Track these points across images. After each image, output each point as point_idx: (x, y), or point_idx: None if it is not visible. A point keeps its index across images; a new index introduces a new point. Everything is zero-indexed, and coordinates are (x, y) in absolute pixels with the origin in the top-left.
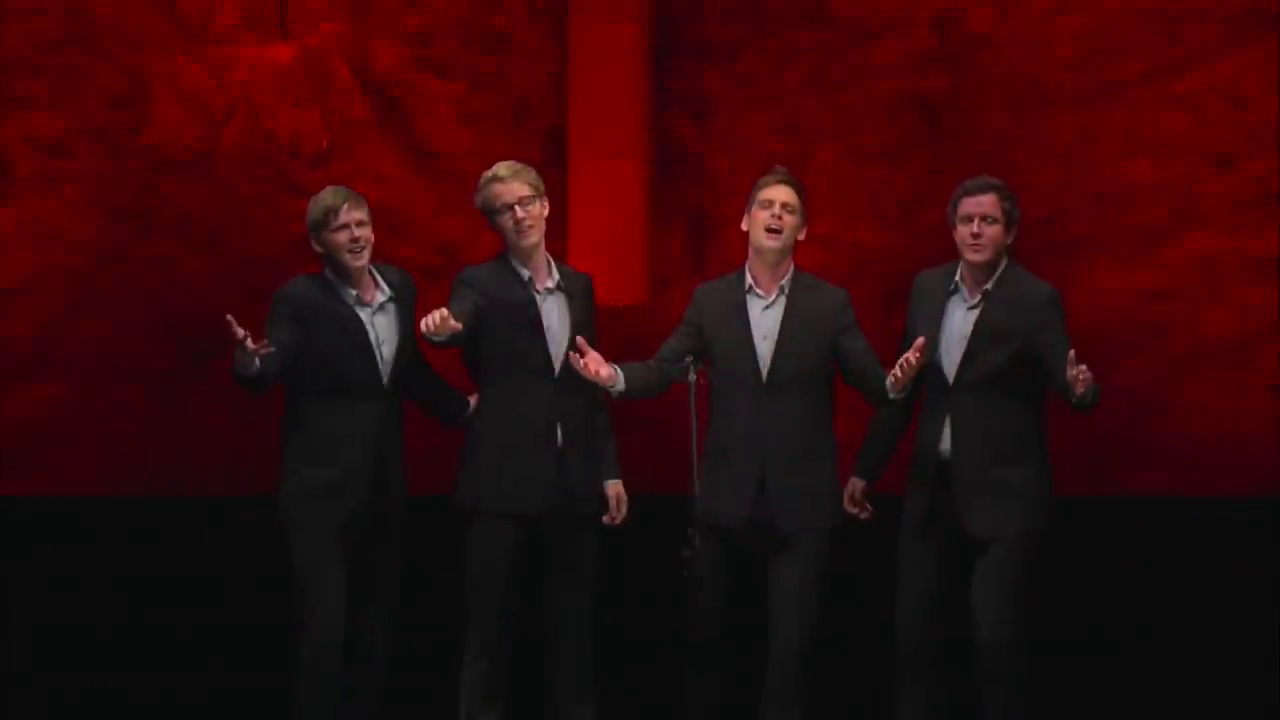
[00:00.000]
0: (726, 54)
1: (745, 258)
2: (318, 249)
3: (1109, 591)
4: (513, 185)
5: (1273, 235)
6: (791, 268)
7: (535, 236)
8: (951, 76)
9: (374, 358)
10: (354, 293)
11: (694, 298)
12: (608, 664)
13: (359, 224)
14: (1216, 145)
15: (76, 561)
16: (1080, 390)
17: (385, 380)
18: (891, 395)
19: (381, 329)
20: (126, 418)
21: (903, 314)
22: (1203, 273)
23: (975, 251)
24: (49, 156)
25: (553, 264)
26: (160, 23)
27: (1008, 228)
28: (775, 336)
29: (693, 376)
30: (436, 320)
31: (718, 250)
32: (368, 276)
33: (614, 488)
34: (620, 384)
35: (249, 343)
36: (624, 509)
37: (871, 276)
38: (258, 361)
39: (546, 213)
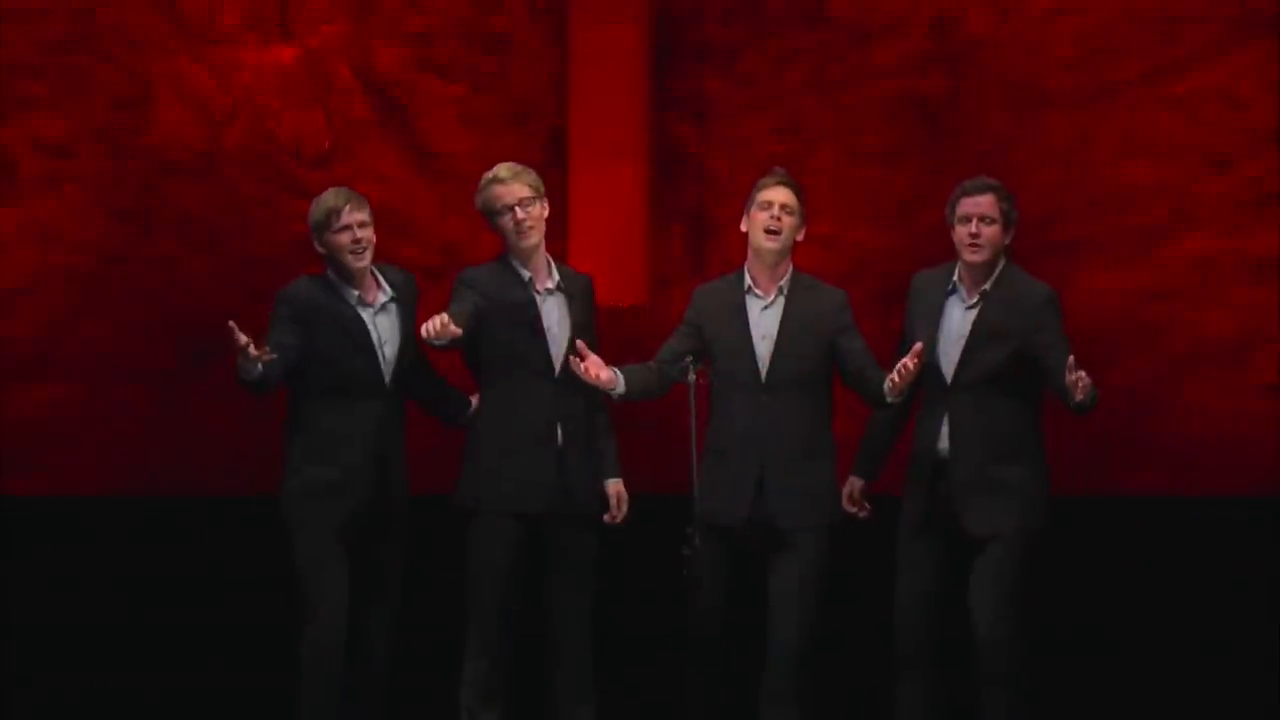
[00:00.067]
0: (726, 55)
1: (745, 258)
2: (320, 250)
3: (1107, 591)
4: (513, 186)
5: (1270, 236)
6: (790, 268)
7: (535, 238)
8: (950, 78)
9: (376, 358)
10: (356, 293)
11: (693, 298)
12: (608, 663)
13: (361, 225)
14: (1214, 146)
15: (77, 561)
16: (1080, 397)
17: (387, 380)
18: (889, 399)
19: (383, 329)
20: (128, 417)
21: (901, 314)
22: (1201, 273)
23: (973, 252)
24: (52, 157)
25: (553, 265)
26: (163, 24)
27: (1006, 228)
28: (774, 337)
29: (692, 376)
30: (437, 326)
31: (718, 250)
32: (370, 277)
33: (614, 486)
34: (620, 387)
35: (251, 349)
36: (624, 508)
37: (871, 276)
38: (260, 366)
39: (547, 214)
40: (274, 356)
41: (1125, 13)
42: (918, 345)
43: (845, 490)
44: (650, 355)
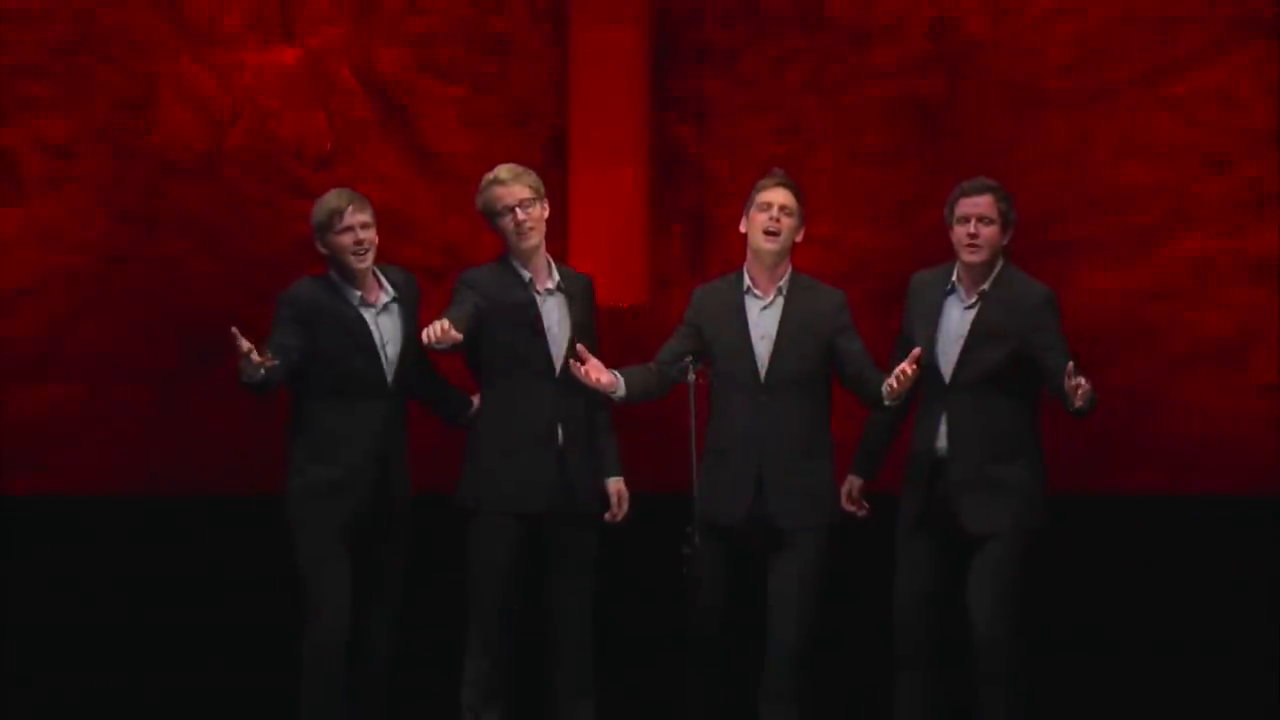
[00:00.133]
0: (726, 57)
1: (745, 259)
2: (322, 250)
3: (1106, 590)
4: (513, 188)
5: (1269, 236)
6: (789, 269)
7: (536, 238)
8: (949, 79)
9: (378, 358)
10: (358, 294)
11: (693, 299)
12: (608, 662)
13: (363, 226)
14: (1211, 148)
15: (78, 561)
16: (1079, 404)
17: (389, 380)
18: (887, 403)
19: (385, 329)
20: (130, 417)
21: (900, 314)
22: (1198, 273)
23: (972, 252)
24: (54, 158)
25: (553, 265)
26: (165, 26)
27: (1004, 228)
28: (773, 337)
29: (692, 376)
30: (437, 332)
31: (718, 251)
32: (372, 278)
33: (615, 485)
34: (621, 389)
35: (254, 355)
36: (625, 506)
37: (870, 277)
38: (263, 371)
39: (547, 215)
40: (276, 363)
41: (1124, 14)
42: (916, 351)
43: (844, 489)
44: (650, 355)
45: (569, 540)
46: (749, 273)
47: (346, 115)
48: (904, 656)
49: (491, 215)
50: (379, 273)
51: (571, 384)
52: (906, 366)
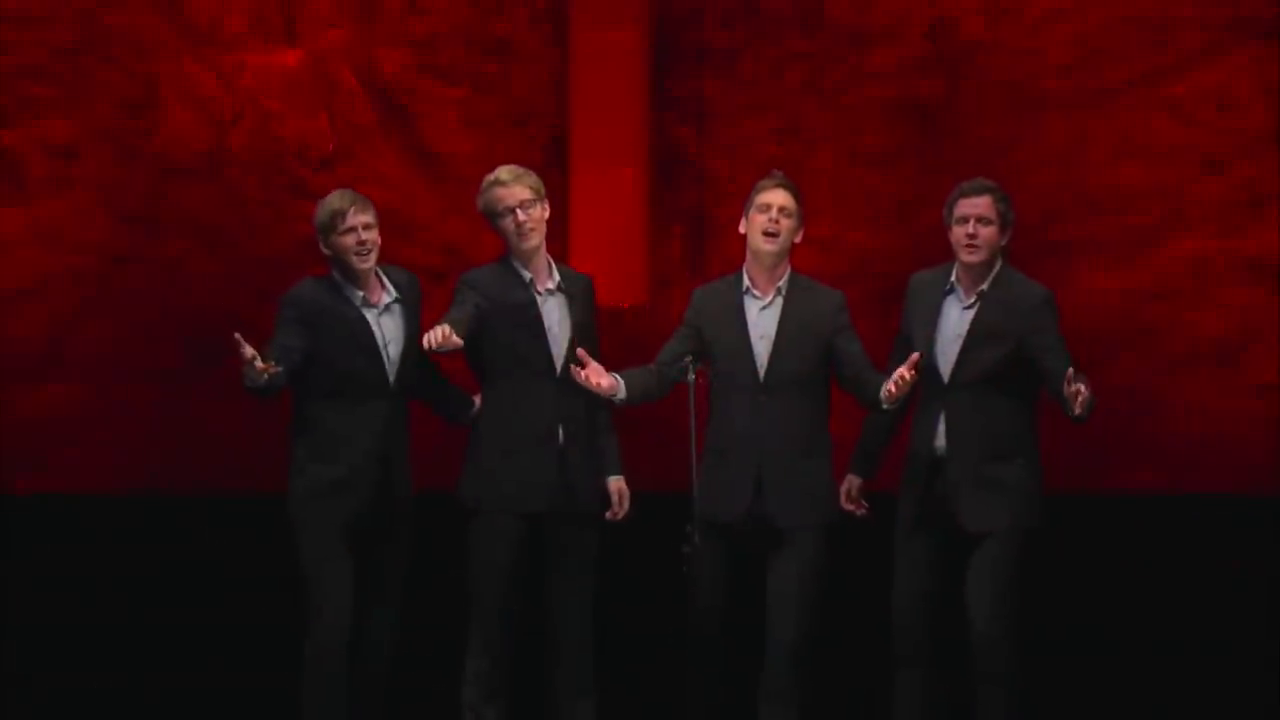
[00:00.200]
0: (725, 59)
1: (744, 259)
2: (325, 251)
3: (1104, 590)
4: (514, 189)
5: (1265, 236)
6: (788, 269)
7: (536, 239)
8: (947, 81)
9: (380, 358)
10: (360, 294)
11: (692, 299)
12: (608, 660)
13: (366, 227)
14: (1206, 149)
15: (81, 560)
16: (1079, 410)
17: (391, 380)
18: (885, 406)
19: (388, 330)
20: (134, 417)
21: (899, 314)
22: (1194, 274)
23: (970, 252)
24: (58, 159)
25: (554, 265)
26: (168, 28)
27: (1002, 229)
28: (772, 337)
29: (692, 376)
30: (439, 337)
31: (718, 251)
32: (374, 278)
33: (616, 483)
34: (621, 392)
35: (258, 362)
36: (626, 504)
37: (869, 277)
38: (266, 377)
39: (547, 216)
40: (279, 370)
41: (1121, 16)
42: (914, 356)
43: (843, 488)
44: (651, 355)
45: (569, 540)
46: (748, 273)
47: (348, 116)
48: (902, 656)
49: (492, 216)
50: (381, 273)
51: (572, 384)
52: (905, 371)
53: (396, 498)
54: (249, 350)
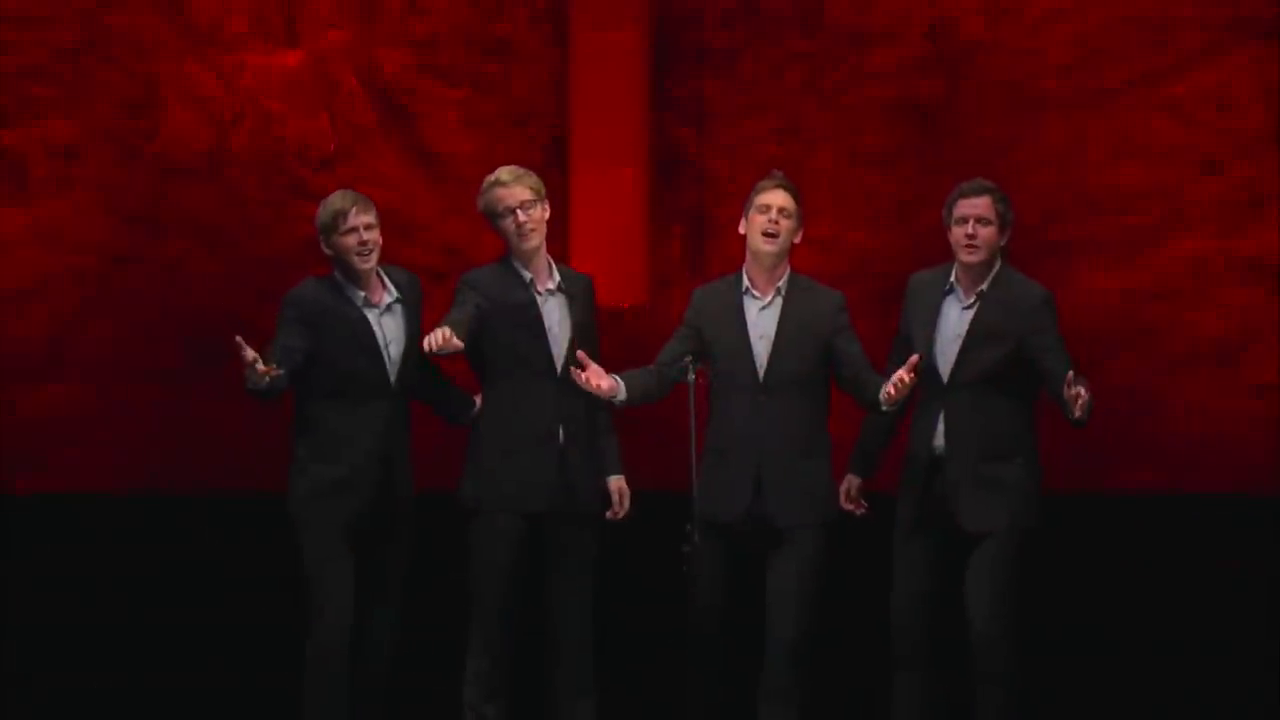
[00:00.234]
0: (725, 60)
1: (744, 259)
2: (327, 251)
3: (1103, 589)
4: (515, 189)
5: (1263, 237)
6: (788, 270)
7: (537, 240)
8: (946, 82)
9: (381, 358)
10: (362, 294)
11: (692, 300)
12: (608, 660)
13: (367, 227)
14: (1205, 150)
15: (83, 560)
16: (1079, 414)
17: (392, 380)
18: (884, 408)
19: (389, 330)
20: (136, 416)
21: (898, 314)
22: (1193, 274)
23: (970, 253)
24: (61, 160)
25: (554, 266)
26: (170, 30)
27: (1002, 229)
28: (771, 337)
29: (692, 376)
30: (439, 340)
31: (718, 251)
32: (375, 278)
33: (616, 482)
34: (621, 394)
35: (259, 365)
36: (626, 503)
37: (868, 277)
38: (267, 380)
39: (548, 216)
40: (281, 372)
41: (1119, 17)
42: (913, 359)
43: (842, 488)
44: (651, 355)
45: (569, 540)
46: (748, 273)
47: (348, 117)
48: (901, 656)
49: (493, 216)
50: (383, 273)
51: (573, 384)
52: (904, 374)
53: (397, 498)
54: (250, 353)
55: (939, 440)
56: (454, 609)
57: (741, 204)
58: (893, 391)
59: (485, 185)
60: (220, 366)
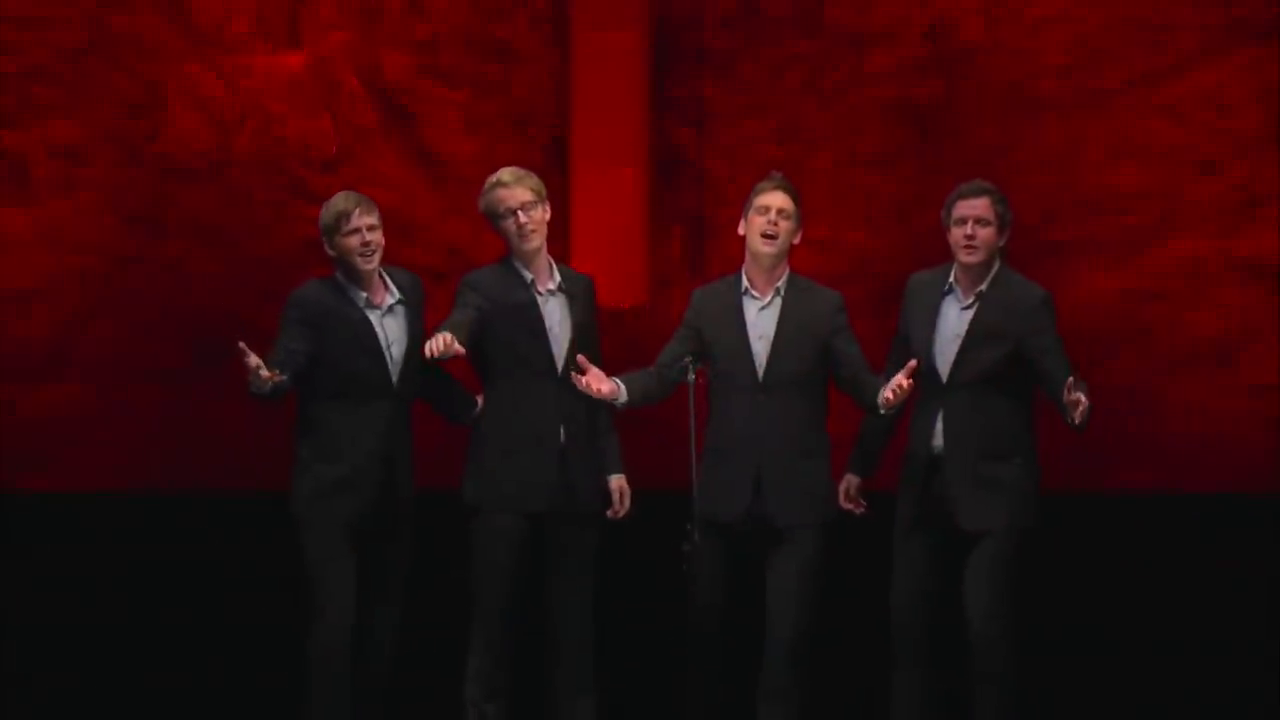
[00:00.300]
0: (725, 62)
1: (744, 260)
2: (330, 252)
3: (1101, 589)
4: (515, 190)
5: (1258, 238)
6: (787, 270)
7: (537, 240)
8: (946, 83)
9: (383, 359)
10: (364, 295)
11: (692, 300)
12: (608, 659)
13: (370, 228)
14: (1201, 151)
15: (88, 559)
16: (1078, 421)
17: (394, 381)
18: (882, 412)
19: (391, 331)
20: (140, 416)
21: (898, 314)
22: (1192, 274)
23: (969, 253)
24: (66, 162)
25: (555, 266)
26: (174, 32)
27: (1000, 230)
28: (770, 337)
29: (692, 376)
30: (440, 346)
31: (717, 251)
32: (378, 279)
33: (617, 481)
34: (622, 396)
35: (263, 371)
36: (627, 502)
37: (867, 277)
38: (270, 385)
39: (548, 217)
40: (283, 379)
41: (1116, 20)
42: (911, 364)
43: (841, 487)
44: (651, 355)
45: (569, 539)
46: (747, 274)
47: (351, 119)
48: (900, 655)
49: (494, 217)
50: (385, 275)
51: (573, 384)
52: (903, 380)
53: (399, 498)
54: (254, 359)
55: (938, 440)
56: (455, 608)
57: (741, 205)
58: (891, 397)
59: (486, 186)
60: (222, 366)
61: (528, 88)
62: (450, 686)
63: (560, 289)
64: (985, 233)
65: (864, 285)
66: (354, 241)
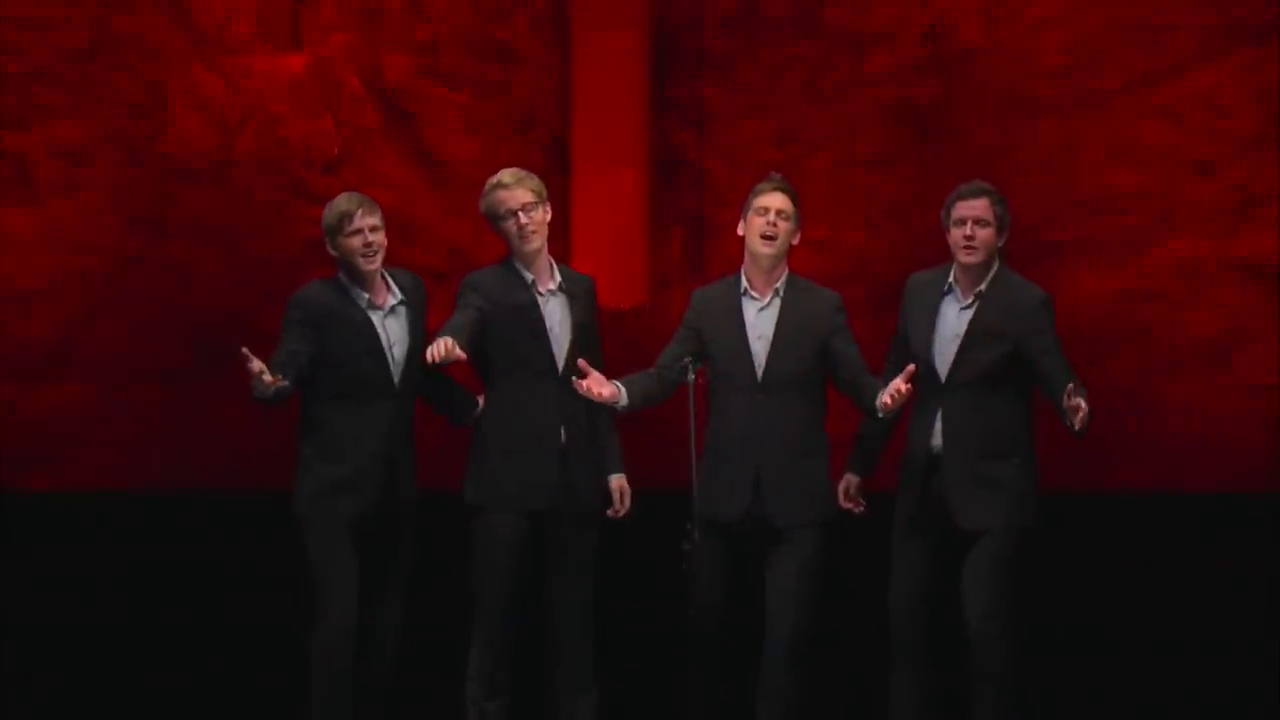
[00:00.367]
0: (724, 64)
1: (743, 260)
2: (333, 253)
3: (1099, 588)
4: (516, 192)
5: (1254, 238)
6: (786, 271)
7: (538, 241)
8: (942, 86)
9: (385, 359)
10: (366, 296)
11: (691, 301)
12: (608, 658)
13: (373, 229)
14: (1197, 152)
15: (88, 558)
16: (1078, 427)
17: (396, 382)
18: (880, 415)
19: (393, 331)
20: (143, 416)
21: (897, 315)
22: (1188, 275)
23: (968, 254)
24: (69, 163)
25: (555, 267)
26: (177, 34)
27: (999, 231)
28: (770, 338)
29: (691, 377)
30: (441, 351)
31: (717, 252)
32: (380, 280)
33: (617, 481)
34: (623, 399)
35: (266, 376)
36: (627, 502)
37: (866, 278)
38: (273, 389)
39: (549, 218)
40: (286, 383)
41: (1112, 22)
42: (910, 368)
43: (841, 487)
44: (651, 356)
45: (570, 539)
46: (746, 275)
47: (352, 120)
48: (899, 656)
49: (495, 219)
50: (387, 275)
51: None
52: (901, 385)
53: (401, 498)
54: (257, 364)
55: (937, 439)
56: (456, 609)
57: (740, 206)
58: (889, 401)
59: (487, 187)
60: (223, 367)
61: (528, 89)
62: (451, 686)
63: (561, 289)
64: (984, 233)
65: (864, 285)
66: (356, 242)
